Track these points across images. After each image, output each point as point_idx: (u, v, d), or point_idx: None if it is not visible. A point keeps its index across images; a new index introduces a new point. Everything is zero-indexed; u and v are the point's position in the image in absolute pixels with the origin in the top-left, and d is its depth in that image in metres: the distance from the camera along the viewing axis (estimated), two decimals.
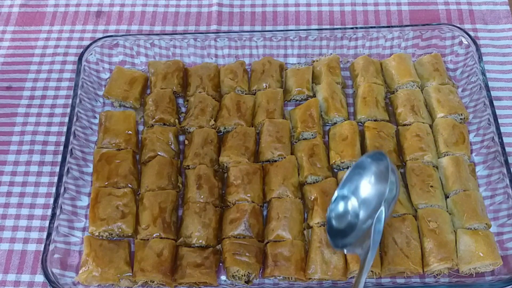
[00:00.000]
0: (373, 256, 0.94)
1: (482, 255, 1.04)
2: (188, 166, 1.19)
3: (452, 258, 1.04)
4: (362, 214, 1.02)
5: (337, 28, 1.33)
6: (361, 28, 1.31)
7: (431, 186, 1.12)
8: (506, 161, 1.11)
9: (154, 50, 1.33)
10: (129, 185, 1.16)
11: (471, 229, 1.08)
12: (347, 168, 1.17)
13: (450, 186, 1.12)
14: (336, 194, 1.06)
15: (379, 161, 1.02)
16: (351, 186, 1.05)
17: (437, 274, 1.06)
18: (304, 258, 1.07)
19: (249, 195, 1.13)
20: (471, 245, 1.05)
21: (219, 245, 1.10)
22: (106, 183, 1.15)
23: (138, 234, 1.11)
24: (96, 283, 1.06)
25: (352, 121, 1.22)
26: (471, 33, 1.31)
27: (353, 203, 1.04)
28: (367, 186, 1.03)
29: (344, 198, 1.05)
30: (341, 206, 1.05)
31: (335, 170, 1.19)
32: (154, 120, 1.23)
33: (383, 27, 1.33)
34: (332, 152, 1.19)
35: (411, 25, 1.32)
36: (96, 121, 1.26)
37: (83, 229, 1.13)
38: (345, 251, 1.04)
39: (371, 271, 1.04)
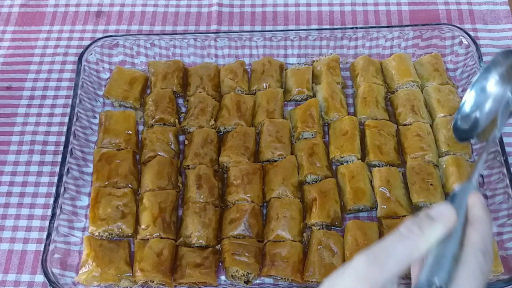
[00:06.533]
0: (499, 132, 0.86)
1: None
2: (188, 166, 1.19)
3: None
4: (487, 107, 0.90)
5: (337, 28, 1.33)
6: (361, 28, 1.31)
7: (431, 184, 1.12)
8: (506, 161, 1.11)
9: (154, 50, 1.34)
10: (129, 185, 1.16)
11: None
12: (347, 162, 1.17)
13: (450, 185, 1.12)
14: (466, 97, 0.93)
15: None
16: (478, 86, 0.92)
17: None
18: (302, 260, 1.07)
19: (249, 195, 1.13)
20: None
21: (219, 245, 1.10)
22: (106, 183, 1.15)
23: (138, 234, 1.11)
24: (96, 283, 1.06)
25: (352, 116, 1.22)
26: (471, 33, 1.31)
27: (478, 100, 0.92)
28: (493, 83, 0.91)
29: (472, 99, 0.92)
30: (467, 106, 0.92)
31: (335, 165, 1.20)
32: (154, 120, 1.23)
33: (383, 27, 1.33)
34: (332, 147, 1.19)
35: (411, 25, 1.31)
36: (96, 121, 1.26)
37: (83, 229, 1.13)
38: (472, 141, 0.97)
39: None
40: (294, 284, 1.06)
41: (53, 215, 1.08)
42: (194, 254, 1.07)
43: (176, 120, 1.25)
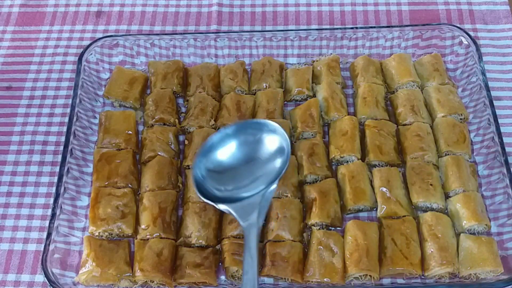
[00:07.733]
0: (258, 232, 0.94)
1: (483, 260, 1.03)
2: (188, 166, 1.19)
3: (453, 263, 1.04)
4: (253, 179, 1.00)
5: (337, 28, 1.33)
6: (361, 28, 1.31)
7: (431, 185, 1.12)
8: (506, 161, 1.11)
9: (154, 50, 1.34)
10: (129, 185, 1.16)
11: (471, 230, 1.08)
12: (347, 162, 1.18)
13: (450, 185, 1.13)
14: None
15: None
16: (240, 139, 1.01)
17: (438, 279, 1.05)
18: (302, 260, 1.07)
19: None
20: (473, 250, 1.05)
21: (219, 245, 1.10)
22: (106, 183, 1.15)
23: (138, 234, 1.11)
24: (96, 283, 1.06)
25: (352, 116, 1.22)
26: (471, 33, 1.32)
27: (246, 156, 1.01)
28: (263, 153, 1.01)
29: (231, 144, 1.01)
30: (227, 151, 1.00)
31: (335, 165, 1.19)
32: (154, 120, 1.23)
33: (383, 27, 1.33)
34: (332, 147, 1.19)
35: (411, 25, 1.32)
36: (96, 121, 1.26)
37: (83, 229, 1.13)
38: (217, 206, 1.00)
39: (369, 275, 1.04)
40: (294, 284, 1.06)
41: (53, 215, 1.08)
42: (194, 254, 1.07)
43: (176, 120, 1.25)
